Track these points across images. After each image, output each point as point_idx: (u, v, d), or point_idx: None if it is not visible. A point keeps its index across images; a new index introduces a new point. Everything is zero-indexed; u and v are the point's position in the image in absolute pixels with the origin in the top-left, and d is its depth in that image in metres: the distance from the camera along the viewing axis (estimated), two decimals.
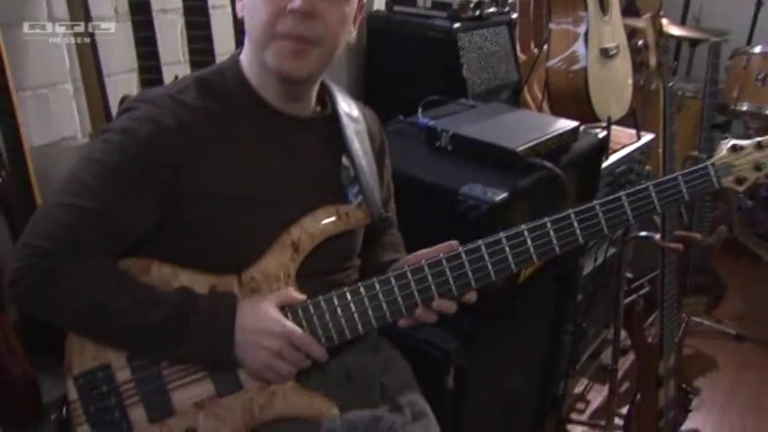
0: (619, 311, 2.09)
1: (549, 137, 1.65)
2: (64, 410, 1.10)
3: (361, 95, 2.42)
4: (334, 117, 1.18)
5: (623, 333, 2.15)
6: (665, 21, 3.25)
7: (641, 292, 2.59)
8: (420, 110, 1.81)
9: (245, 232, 1.08)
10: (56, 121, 1.63)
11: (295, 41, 1.03)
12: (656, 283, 2.18)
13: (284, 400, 1.10)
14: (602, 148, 1.93)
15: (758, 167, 1.08)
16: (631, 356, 2.67)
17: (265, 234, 1.10)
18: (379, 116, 1.37)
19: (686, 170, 1.07)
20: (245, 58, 1.13)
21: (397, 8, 2.34)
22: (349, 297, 1.09)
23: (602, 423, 2.26)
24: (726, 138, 1.11)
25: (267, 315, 1.05)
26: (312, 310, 1.09)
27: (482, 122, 1.73)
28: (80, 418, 1.07)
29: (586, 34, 2.37)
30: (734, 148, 1.08)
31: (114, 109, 1.56)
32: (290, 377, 1.08)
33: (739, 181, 1.09)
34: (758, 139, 1.07)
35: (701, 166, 1.08)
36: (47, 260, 0.99)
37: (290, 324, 1.06)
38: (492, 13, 2.35)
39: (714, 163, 1.08)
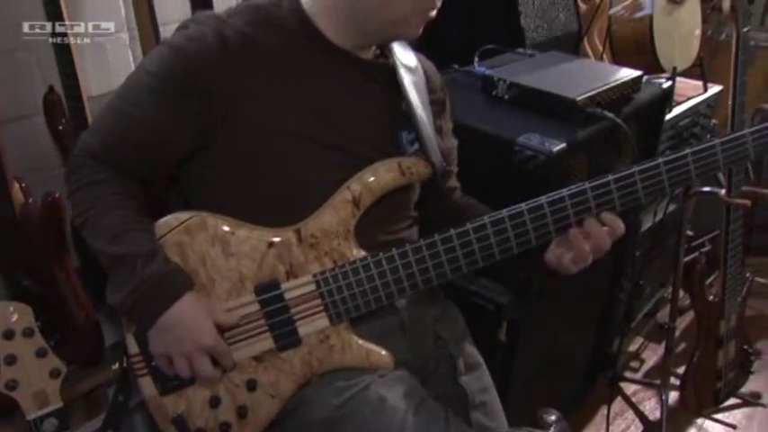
0: (678, 269, 2.04)
1: (609, 86, 1.59)
2: (125, 362, 1.13)
3: (416, 44, 2.36)
4: (391, 64, 1.15)
5: (682, 292, 2.10)
6: None
7: (702, 251, 2.51)
8: (476, 59, 1.76)
9: (297, 170, 1.07)
10: (112, 70, 1.65)
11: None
12: (717, 243, 2.11)
13: (342, 354, 1.11)
14: (666, 99, 1.85)
15: None
16: (688, 317, 2.61)
17: (318, 175, 1.08)
18: (437, 67, 1.33)
19: (754, 128, 1.02)
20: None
21: None
22: (410, 255, 1.08)
23: (657, 382, 2.22)
24: None
25: (200, 320, 1.04)
26: (373, 268, 1.08)
27: (540, 71, 1.67)
28: (142, 371, 1.10)
29: None
30: None
31: None
32: (186, 376, 1.06)
33: None
34: None
35: None
36: (86, 154, 1.09)
37: (217, 337, 1.04)
38: None
39: None
